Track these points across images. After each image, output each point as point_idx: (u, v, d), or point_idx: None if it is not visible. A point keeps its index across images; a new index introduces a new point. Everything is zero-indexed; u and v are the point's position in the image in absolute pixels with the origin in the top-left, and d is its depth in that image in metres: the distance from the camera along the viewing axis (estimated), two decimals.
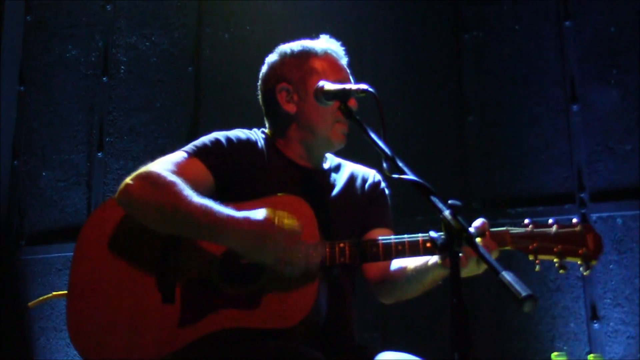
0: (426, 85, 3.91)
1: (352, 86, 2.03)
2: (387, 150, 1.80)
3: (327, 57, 2.25)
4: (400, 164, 1.75)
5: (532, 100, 3.75)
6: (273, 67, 2.28)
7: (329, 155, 2.36)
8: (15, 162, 4.39)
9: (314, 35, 2.36)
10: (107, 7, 4.48)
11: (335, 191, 2.25)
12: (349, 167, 2.37)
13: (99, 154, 4.27)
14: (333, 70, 2.21)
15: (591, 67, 3.68)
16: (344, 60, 2.29)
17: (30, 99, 4.48)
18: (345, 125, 2.20)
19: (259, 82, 2.33)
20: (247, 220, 1.89)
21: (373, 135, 1.87)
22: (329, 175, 2.29)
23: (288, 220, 1.89)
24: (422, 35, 3.97)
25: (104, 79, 4.37)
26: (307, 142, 2.23)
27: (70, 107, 4.40)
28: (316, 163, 2.29)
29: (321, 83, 2.11)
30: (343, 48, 2.31)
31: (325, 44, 2.29)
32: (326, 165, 2.33)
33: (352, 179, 2.32)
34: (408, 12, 4.00)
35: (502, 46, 3.84)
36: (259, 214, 1.90)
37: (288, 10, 4.12)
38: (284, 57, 2.27)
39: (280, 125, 2.26)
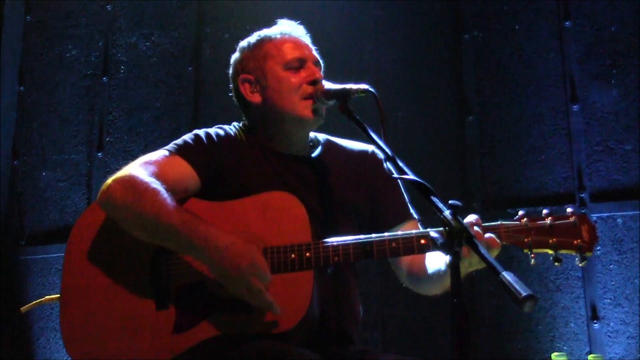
0: (426, 85, 3.91)
1: (353, 86, 1.99)
2: (387, 150, 1.79)
3: (282, 38, 2.21)
4: (401, 164, 1.75)
5: (532, 100, 3.74)
6: (234, 63, 2.27)
7: (320, 136, 2.29)
8: (15, 162, 4.39)
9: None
10: (107, 7, 4.48)
11: (328, 180, 2.17)
12: (341, 149, 2.28)
13: (99, 154, 4.26)
14: (289, 49, 2.18)
15: (591, 67, 3.67)
16: (304, 39, 2.25)
17: (30, 99, 4.48)
18: (311, 101, 2.11)
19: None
20: (228, 245, 1.85)
21: (373, 135, 1.86)
22: (320, 162, 2.21)
23: (259, 271, 1.84)
24: (422, 35, 3.97)
25: (104, 79, 4.37)
26: (281, 127, 2.17)
27: (70, 107, 4.40)
28: (301, 148, 2.22)
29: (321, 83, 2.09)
30: (302, 26, 2.28)
31: (280, 27, 2.25)
32: (316, 151, 2.24)
33: (346, 163, 2.23)
34: (408, 12, 4.00)
35: (502, 46, 3.84)
36: (242, 245, 1.85)
37: (288, 10, 4.10)
38: (243, 51, 2.26)
39: (254, 118, 2.23)
